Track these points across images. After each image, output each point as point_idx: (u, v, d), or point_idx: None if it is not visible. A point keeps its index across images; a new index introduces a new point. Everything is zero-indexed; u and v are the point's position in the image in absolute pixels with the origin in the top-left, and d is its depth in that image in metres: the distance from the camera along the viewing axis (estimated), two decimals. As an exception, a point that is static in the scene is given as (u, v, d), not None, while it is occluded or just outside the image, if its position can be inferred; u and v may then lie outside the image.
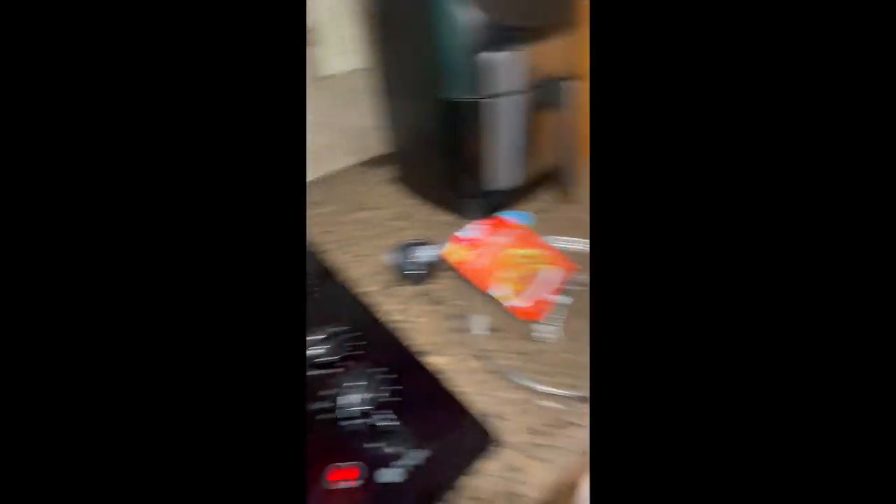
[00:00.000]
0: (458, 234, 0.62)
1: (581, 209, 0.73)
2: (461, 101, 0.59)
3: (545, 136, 0.67)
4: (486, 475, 0.40)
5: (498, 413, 0.45)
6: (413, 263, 0.61)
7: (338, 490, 0.39)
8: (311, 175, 0.87)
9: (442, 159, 0.68)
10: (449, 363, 0.50)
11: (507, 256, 0.58)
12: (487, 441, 0.42)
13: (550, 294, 0.55)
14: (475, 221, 0.64)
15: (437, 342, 0.53)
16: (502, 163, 0.65)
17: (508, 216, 0.66)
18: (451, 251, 0.60)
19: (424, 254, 0.61)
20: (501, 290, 0.55)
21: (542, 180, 0.74)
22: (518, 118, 0.62)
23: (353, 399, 0.44)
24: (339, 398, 0.44)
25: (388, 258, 0.63)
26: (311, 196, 0.83)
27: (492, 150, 0.63)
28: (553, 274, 0.57)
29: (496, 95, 0.59)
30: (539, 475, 0.40)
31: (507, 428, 0.43)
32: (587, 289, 0.57)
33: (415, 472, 0.39)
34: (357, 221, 0.75)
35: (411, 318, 0.56)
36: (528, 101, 0.61)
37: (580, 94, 0.62)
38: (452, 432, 0.43)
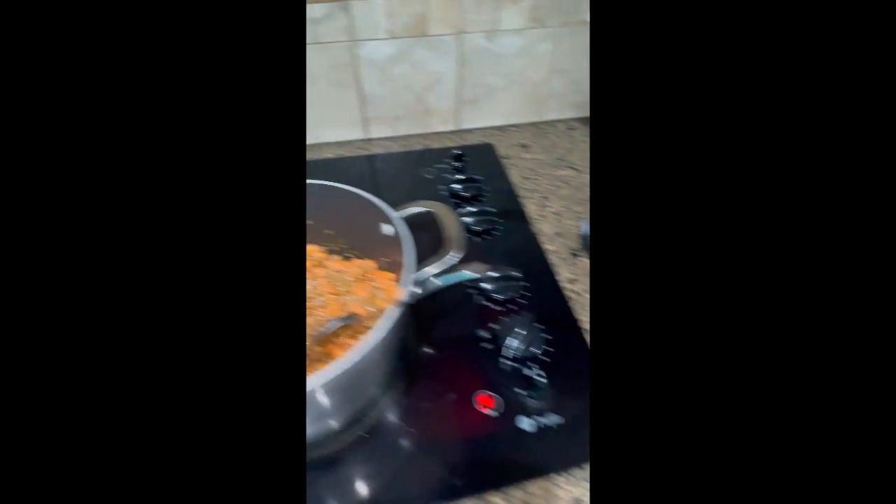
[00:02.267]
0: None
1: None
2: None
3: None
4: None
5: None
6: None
7: (480, 413, 0.43)
8: (533, 116, 0.87)
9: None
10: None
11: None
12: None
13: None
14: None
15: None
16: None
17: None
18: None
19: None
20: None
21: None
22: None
23: (516, 343, 0.47)
24: (507, 338, 0.48)
25: (583, 226, 0.63)
26: (523, 137, 0.84)
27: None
28: None
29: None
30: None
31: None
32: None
33: (545, 432, 0.42)
34: (558, 178, 0.75)
35: (580, 291, 0.57)
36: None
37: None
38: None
